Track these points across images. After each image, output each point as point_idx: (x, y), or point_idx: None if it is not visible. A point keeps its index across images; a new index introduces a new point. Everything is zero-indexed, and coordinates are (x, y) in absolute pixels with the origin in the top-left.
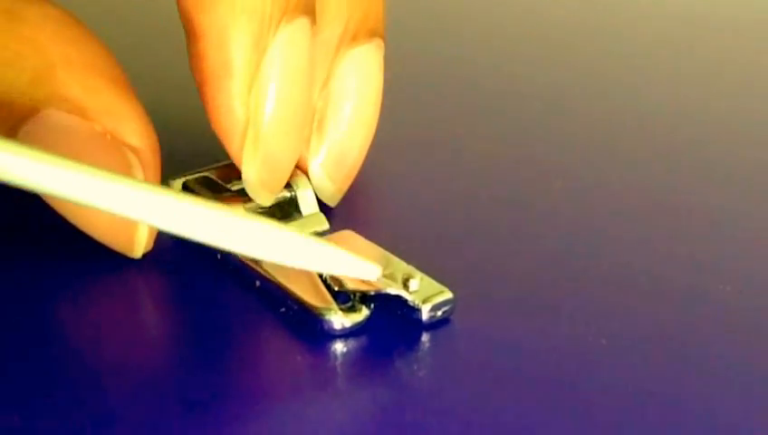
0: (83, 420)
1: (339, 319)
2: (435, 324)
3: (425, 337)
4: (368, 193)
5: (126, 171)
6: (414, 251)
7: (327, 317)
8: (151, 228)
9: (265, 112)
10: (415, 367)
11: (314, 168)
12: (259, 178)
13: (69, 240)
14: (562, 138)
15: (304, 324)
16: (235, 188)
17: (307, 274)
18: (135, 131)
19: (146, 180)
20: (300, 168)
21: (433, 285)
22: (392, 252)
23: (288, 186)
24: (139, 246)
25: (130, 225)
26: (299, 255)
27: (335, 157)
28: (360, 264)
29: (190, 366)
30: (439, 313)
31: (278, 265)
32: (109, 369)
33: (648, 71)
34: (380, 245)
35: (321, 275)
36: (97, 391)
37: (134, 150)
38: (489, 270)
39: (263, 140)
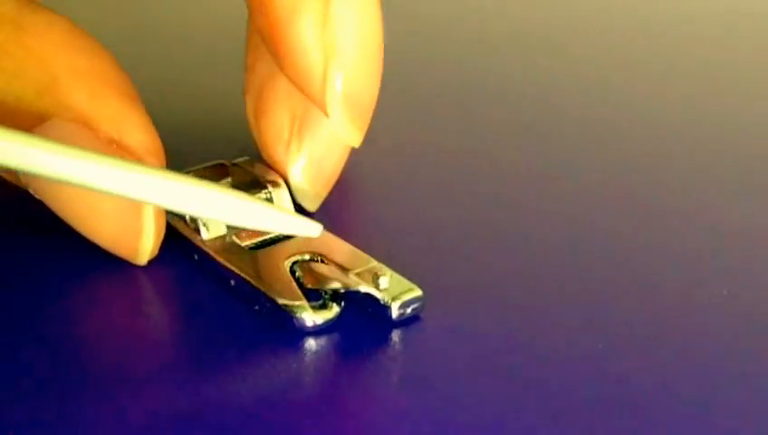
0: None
1: (310, 316)
2: (405, 321)
3: (395, 334)
4: (345, 191)
5: None
6: (388, 249)
7: (298, 315)
8: (156, 236)
9: (343, 47)
10: (385, 364)
11: (294, 173)
12: (347, 115)
13: (45, 241)
14: (551, 140)
15: (277, 322)
16: None
17: (280, 272)
18: (141, 140)
19: None
20: (279, 172)
21: (402, 283)
22: (365, 249)
23: (264, 187)
24: (143, 254)
25: (135, 232)
26: (243, 215)
27: (315, 162)
28: (300, 222)
29: (164, 363)
30: (409, 310)
31: (253, 265)
32: (77, 364)
33: (644, 72)
34: (354, 242)
35: (294, 275)
36: (63, 382)
37: (140, 159)
38: (463, 269)
39: (345, 77)
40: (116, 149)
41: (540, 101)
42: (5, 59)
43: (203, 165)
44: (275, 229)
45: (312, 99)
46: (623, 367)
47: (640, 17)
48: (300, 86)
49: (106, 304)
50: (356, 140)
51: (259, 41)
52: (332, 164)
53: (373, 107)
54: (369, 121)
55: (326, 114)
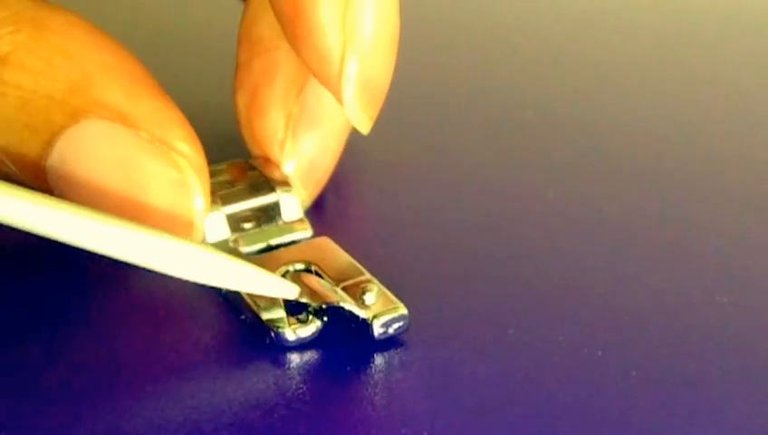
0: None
1: (290, 332)
2: (389, 340)
3: (376, 352)
4: (352, 199)
5: (179, 176)
6: (386, 262)
7: (279, 330)
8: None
9: (363, 33)
10: (362, 383)
11: (288, 172)
12: (361, 101)
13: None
14: (550, 151)
15: (261, 333)
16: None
17: None
18: (182, 137)
19: (200, 185)
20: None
21: (389, 300)
22: (360, 257)
23: (273, 190)
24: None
25: (184, 232)
26: (222, 275)
27: (308, 164)
28: (278, 284)
29: (138, 367)
30: (391, 329)
31: None
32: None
33: (644, 81)
34: (355, 251)
35: None
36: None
37: (183, 156)
38: (457, 283)
39: (362, 63)
40: (158, 147)
41: (541, 103)
42: (30, 58)
43: (224, 162)
44: (250, 290)
45: (326, 82)
46: (623, 376)
47: (642, 20)
48: (315, 69)
49: (97, 303)
50: (366, 127)
51: (256, 37)
52: (324, 166)
53: (385, 96)
54: (379, 110)
55: (339, 99)
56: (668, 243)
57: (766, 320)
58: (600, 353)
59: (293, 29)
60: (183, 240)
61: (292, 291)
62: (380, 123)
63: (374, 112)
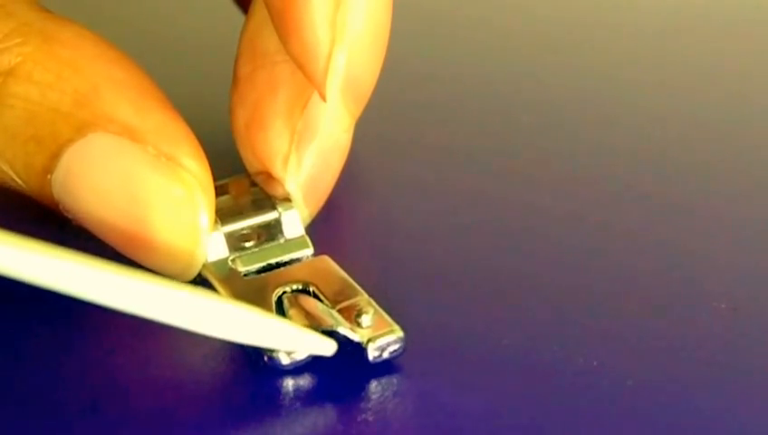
0: None
1: (284, 355)
2: (385, 363)
3: (371, 375)
4: (347, 213)
5: (185, 193)
6: (382, 277)
7: (272, 352)
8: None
9: (353, 31)
10: (356, 408)
11: (291, 189)
12: (344, 99)
13: None
14: (548, 158)
15: (255, 356)
16: None
17: (265, 306)
18: (189, 153)
19: (205, 202)
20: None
21: (385, 322)
22: (361, 276)
23: (274, 208)
24: (195, 268)
25: (190, 246)
26: (244, 332)
27: (311, 180)
28: (316, 340)
29: (137, 387)
30: (386, 353)
31: (242, 294)
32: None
33: (646, 76)
34: (352, 267)
35: (281, 305)
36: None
37: (190, 172)
38: (453, 297)
39: (349, 60)
40: (165, 162)
41: (537, 107)
42: (38, 70)
43: (227, 179)
44: (288, 348)
45: (311, 77)
46: (619, 386)
47: (649, 15)
48: (301, 63)
49: (89, 324)
50: (346, 127)
51: (259, 50)
52: (327, 183)
53: (369, 96)
54: (362, 109)
55: (322, 95)
56: (666, 249)
57: (765, 326)
58: (594, 363)
59: (284, 21)
60: (204, 295)
61: (328, 347)
62: (374, 130)
63: (357, 111)
